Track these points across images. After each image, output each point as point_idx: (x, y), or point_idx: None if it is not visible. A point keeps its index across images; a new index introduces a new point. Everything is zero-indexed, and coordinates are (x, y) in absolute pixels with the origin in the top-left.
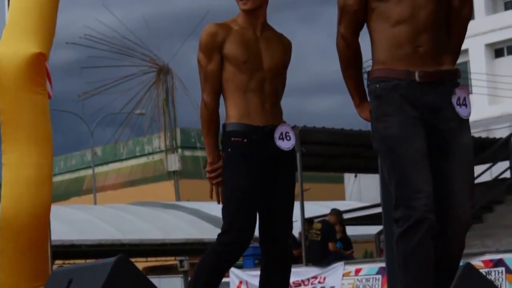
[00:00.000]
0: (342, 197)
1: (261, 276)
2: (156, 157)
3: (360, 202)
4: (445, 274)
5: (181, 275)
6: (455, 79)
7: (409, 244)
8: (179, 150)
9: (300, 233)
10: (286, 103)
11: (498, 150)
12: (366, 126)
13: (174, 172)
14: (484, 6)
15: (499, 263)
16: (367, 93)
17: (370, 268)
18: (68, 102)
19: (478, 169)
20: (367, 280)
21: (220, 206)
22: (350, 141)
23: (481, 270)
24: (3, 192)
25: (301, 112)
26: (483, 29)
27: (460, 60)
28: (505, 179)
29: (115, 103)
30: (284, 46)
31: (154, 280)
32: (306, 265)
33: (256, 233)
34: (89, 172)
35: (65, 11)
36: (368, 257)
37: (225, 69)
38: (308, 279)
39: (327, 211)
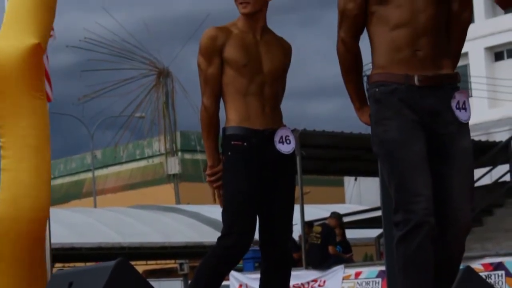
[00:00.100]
0: (342, 200)
1: (261, 279)
2: (156, 160)
3: (360, 206)
4: (445, 278)
5: (181, 278)
6: (454, 83)
7: (409, 247)
8: (179, 153)
9: (300, 236)
10: (286, 106)
11: (498, 153)
12: (366, 129)
13: (174, 175)
14: (484, 9)
15: (499, 266)
16: (367, 97)
17: (370, 272)
18: (68, 105)
19: (478, 172)
20: (367, 283)
21: (221, 209)
22: (350, 144)
23: (481, 274)
24: (1, 196)
25: (301, 116)
26: (483, 32)
27: (459, 63)
28: (505, 182)
29: (115, 106)
30: (284, 50)
31: (154, 283)
32: (306, 268)
33: (256, 236)
34: (89, 175)
35: (65, 14)
36: (368, 260)
37: (225, 73)
38: (308, 282)
39: (327, 214)
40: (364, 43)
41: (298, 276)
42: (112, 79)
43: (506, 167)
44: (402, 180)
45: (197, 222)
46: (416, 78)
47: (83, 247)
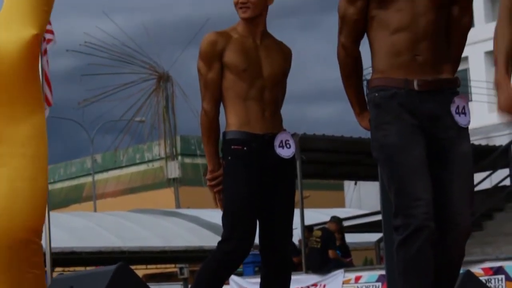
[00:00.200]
0: (342, 204)
1: (261, 283)
2: (156, 164)
3: (360, 210)
4: (445, 282)
5: (181, 283)
6: (454, 87)
7: (409, 252)
8: (179, 158)
9: (300, 241)
10: (286, 110)
11: (498, 157)
12: (366, 133)
13: (174, 179)
14: (484, 13)
15: (499, 270)
16: (367, 102)
17: (370, 276)
18: (68, 109)
19: (478, 176)
20: (367, 287)
21: (221, 213)
22: (350, 148)
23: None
24: None
25: (301, 120)
26: (483, 36)
27: (459, 67)
28: (505, 186)
29: (115, 111)
30: (284, 54)
31: (154, 287)
32: (306, 272)
33: (256, 240)
34: (89, 179)
35: (65, 19)
36: (368, 264)
37: (225, 77)
38: (308, 287)
39: (327, 218)
40: (364, 48)
41: (298, 280)
42: (112, 83)
43: (506, 171)
44: (402, 185)
45: (197, 226)
46: (415, 83)
47: (83, 251)
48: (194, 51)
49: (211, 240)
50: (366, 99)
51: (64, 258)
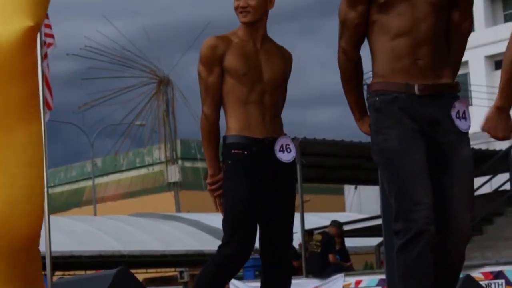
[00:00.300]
0: (342, 208)
1: (261, 287)
2: (156, 168)
3: (360, 214)
4: (445, 286)
5: (181, 287)
6: (454, 92)
7: (409, 256)
8: (179, 161)
9: (300, 245)
10: (286, 114)
11: (498, 162)
12: (366, 138)
13: (174, 183)
14: (484, 18)
15: (499, 275)
16: (367, 107)
17: (370, 280)
18: (68, 113)
19: (478, 181)
20: None
21: (221, 217)
22: (350, 152)
23: (481, 282)
24: None
25: (301, 124)
26: (483, 41)
27: (460, 72)
28: (505, 191)
29: (115, 114)
30: (284, 59)
31: None
32: (306, 276)
33: (257, 244)
34: (89, 183)
35: (66, 22)
36: (368, 268)
37: (226, 82)
38: None
39: (327, 222)
40: (363, 52)
41: (298, 284)
42: (112, 87)
43: (506, 176)
44: (402, 189)
45: (197, 230)
46: (416, 87)
47: (83, 255)
48: (195, 55)
49: (211, 244)
50: (366, 103)
51: (64, 262)
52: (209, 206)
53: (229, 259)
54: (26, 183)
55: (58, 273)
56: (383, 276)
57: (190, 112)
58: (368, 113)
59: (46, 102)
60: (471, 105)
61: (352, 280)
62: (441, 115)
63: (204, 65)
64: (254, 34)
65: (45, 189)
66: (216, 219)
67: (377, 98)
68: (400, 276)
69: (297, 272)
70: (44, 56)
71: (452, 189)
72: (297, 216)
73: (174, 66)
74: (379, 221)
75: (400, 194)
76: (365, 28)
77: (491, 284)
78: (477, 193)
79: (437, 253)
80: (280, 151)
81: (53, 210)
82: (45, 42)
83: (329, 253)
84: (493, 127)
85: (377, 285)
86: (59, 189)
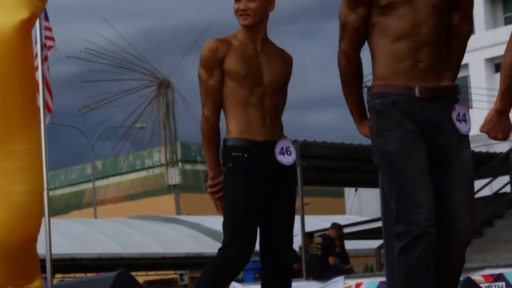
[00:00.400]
0: (342, 211)
1: None
2: (157, 170)
3: (360, 216)
4: None
5: None
6: (455, 95)
7: (410, 259)
8: (180, 164)
9: (300, 247)
10: (286, 117)
11: (498, 164)
12: (366, 140)
13: (174, 186)
14: (484, 21)
15: (499, 277)
16: (367, 109)
17: (370, 283)
18: (68, 116)
19: (478, 183)
20: None
21: (221, 219)
22: (351, 155)
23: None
24: None
25: (302, 126)
26: (483, 43)
27: (460, 74)
28: (505, 193)
29: (115, 117)
30: (284, 61)
31: None
32: (307, 279)
33: (257, 247)
34: (89, 185)
35: (66, 25)
36: (368, 271)
37: (226, 84)
38: None
39: (328, 225)
40: (363, 55)
41: (298, 287)
42: (112, 89)
43: (506, 178)
44: (403, 191)
45: (198, 232)
46: (417, 90)
47: (83, 257)
48: (195, 58)
49: (211, 246)
50: (367, 106)
51: (64, 264)
52: (210, 208)
53: (229, 261)
54: (25, 189)
55: (58, 275)
56: (383, 279)
57: (191, 114)
58: (368, 115)
59: (46, 105)
60: (471, 107)
61: (352, 282)
62: (442, 117)
63: (204, 67)
64: (254, 37)
65: (45, 192)
66: (216, 222)
67: (378, 101)
68: (401, 279)
69: (298, 275)
70: (45, 59)
71: (453, 191)
72: (297, 218)
73: (174, 69)
74: (379, 224)
75: (401, 197)
76: (366, 30)
77: (491, 286)
78: (477, 195)
79: (438, 255)
80: (280, 153)
81: (53, 213)
82: (45, 45)
83: (329, 255)
84: (492, 128)
85: (378, 287)
86: (59, 192)
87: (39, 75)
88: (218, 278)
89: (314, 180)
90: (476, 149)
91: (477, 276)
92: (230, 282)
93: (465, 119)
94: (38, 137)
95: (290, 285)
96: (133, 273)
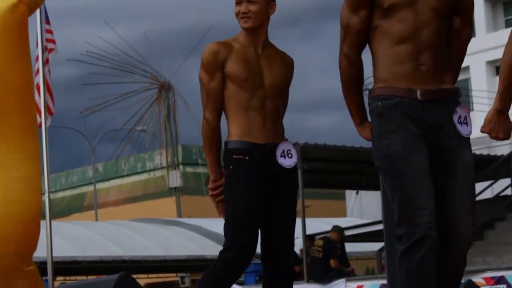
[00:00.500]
0: (343, 214)
1: None
2: (158, 173)
3: (361, 219)
4: None
5: None
6: (456, 97)
7: (412, 261)
8: (181, 167)
9: (301, 250)
10: (287, 119)
11: (499, 167)
12: (367, 143)
13: (175, 188)
14: (485, 23)
15: (500, 280)
16: (367, 112)
17: (371, 285)
18: (70, 119)
19: (479, 186)
20: None
21: (222, 222)
22: (352, 158)
23: None
24: None
25: (303, 129)
26: (484, 46)
27: (461, 77)
28: (506, 196)
29: (116, 120)
30: (285, 64)
31: None
32: (308, 281)
33: (258, 249)
34: (90, 188)
35: (67, 28)
36: (369, 274)
37: (227, 87)
38: None
39: (329, 227)
40: (363, 57)
41: None
42: (113, 92)
43: (507, 181)
44: (405, 194)
45: (199, 235)
46: (419, 92)
47: (84, 260)
48: (196, 61)
49: (212, 249)
50: (368, 108)
51: (66, 267)
52: (211, 211)
53: (230, 264)
54: (23, 199)
55: (59, 278)
56: (384, 281)
57: (191, 117)
58: (369, 118)
59: (47, 108)
60: (472, 110)
61: (353, 285)
62: (444, 120)
63: (205, 70)
64: (255, 39)
65: (47, 194)
66: (217, 224)
67: (380, 103)
68: (403, 281)
69: (299, 278)
70: (46, 62)
71: (454, 194)
72: (298, 221)
73: (175, 72)
74: (380, 226)
75: (403, 199)
76: (367, 33)
77: None
78: (478, 198)
79: (439, 258)
80: (281, 156)
81: (54, 216)
82: (46, 48)
83: (330, 258)
84: (493, 128)
85: None
86: (60, 195)
87: (40, 78)
88: (219, 280)
89: (315, 182)
90: (477, 152)
91: (478, 279)
92: (231, 285)
93: (466, 121)
94: (36, 146)
95: (291, 287)
96: (134, 276)
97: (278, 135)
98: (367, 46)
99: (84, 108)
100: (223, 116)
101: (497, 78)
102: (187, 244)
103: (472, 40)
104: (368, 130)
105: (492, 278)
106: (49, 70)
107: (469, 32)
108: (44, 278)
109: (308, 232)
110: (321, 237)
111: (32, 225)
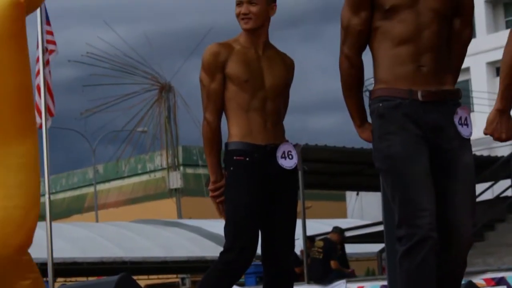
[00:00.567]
0: (344, 215)
1: None
2: (158, 174)
3: (361, 220)
4: None
5: None
6: (456, 99)
7: (413, 262)
8: (181, 168)
9: (302, 251)
10: (287, 121)
11: (500, 168)
12: (367, 144)
13: (176, 189)
14: (486, 24)
15: (501, 281)
16: (367, 113)
17: (372, 286)
18: (70, 120)
19: (479, 187)
20: None
21: (223, 223)
22: (352, 159)
23: None
24: None
25: (303, 130)
26: (484, 47)
27: (461, 78)
28: (506, 197)
29: (117, 121)
30: (286, 65)
31: None
32: (308, 283)
33: (258, 251)
34: (91, 189)
35: (67, 29)
36: (370, 275)
37: (227, 88)
38: None
39: (329, 229)
40: (363, 58)
41: None
42: (114, 93)
43: (507, 182)
44: (406, 195)
45: (199, 236)
46: (419, 93)
47: (85, 261)
48: (196, 62)
49: (213, 250)
50: (368, 110)
51: (66, 268)
52: (211, 212)
53: (230, 265)
54: (21, 204)
55: (60, 279)
56: (384, 283)
57: (192, 118)
58: (370, 119)
59: (48, 109)
60: (473, 111)
61: (354, 286)
62: (445, 121)
63: (206, 71)
64: (256, 41)
65: (47, 196)
66: (217, 226)
67: (381, 104)
68: (403, 283)
69: (299, 279)
70: (46, 63)
71: (454, 195)
72: (298, 222)
73: (175, 73)
74: (381, 228)
75: (404, 200)
76: (368, 34)
77: None
78: (478, 199)
79: (439, 259)
80: (282, 157)
81: (54, 217)
82: (46, 49)
83: (331, 259)
84: (496, 129)
85: None
86: (60, 196)
87: (40, 79)
88: (219, 282)
89: (315, 183)
90: (478, 153)
91: (478, 280)
92: (231, 286)
93: (466, 123)
94: (33, 151)
95: None
96: (135, 277)
97: (278, 136)
98: (367, 47)
99: (84, 109)
100: (223, 117)
101: (498, 79)
102: (188, 245)
103: (473, 41)
104: (368, 132)
105: (493, 279)
106: (49, 71)
107: (470, 33)
108: (44, 279)
109: (309, 233)
110: (322, 238)
111: (30, 227)
